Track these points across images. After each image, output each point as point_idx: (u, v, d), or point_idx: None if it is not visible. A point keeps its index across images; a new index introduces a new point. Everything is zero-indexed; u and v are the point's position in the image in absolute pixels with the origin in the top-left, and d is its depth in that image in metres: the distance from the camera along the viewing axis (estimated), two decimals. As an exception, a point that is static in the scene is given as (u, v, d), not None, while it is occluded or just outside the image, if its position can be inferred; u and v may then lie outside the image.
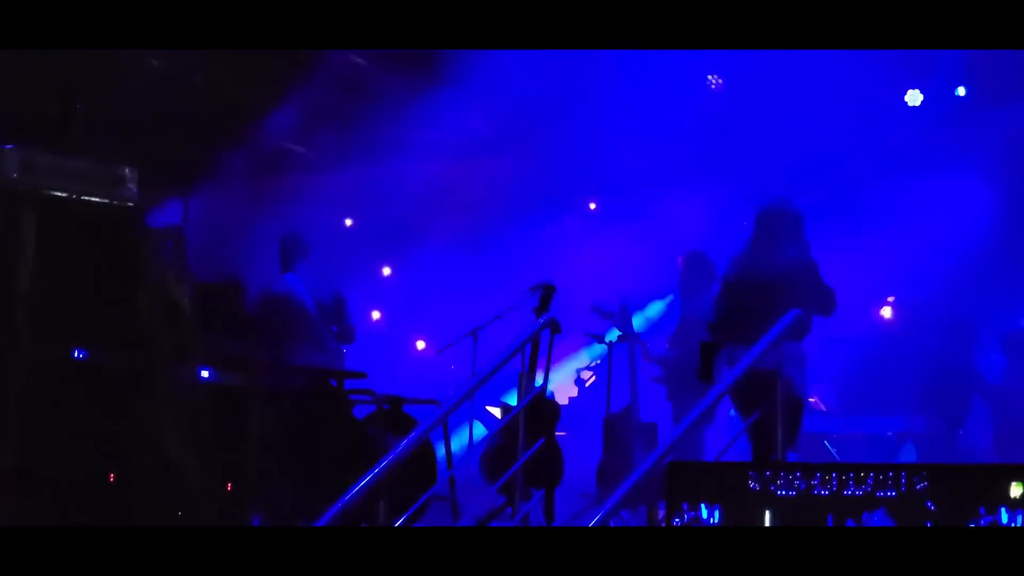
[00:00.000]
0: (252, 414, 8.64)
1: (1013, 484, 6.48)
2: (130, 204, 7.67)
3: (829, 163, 15.02)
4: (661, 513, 7.33)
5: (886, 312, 16.40)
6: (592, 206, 18.68)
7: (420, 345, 17.81)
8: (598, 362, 15.02)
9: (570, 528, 8.50)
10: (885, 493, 6.72)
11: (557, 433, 14.83)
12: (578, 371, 17.77)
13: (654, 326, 14.53)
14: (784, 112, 14.70)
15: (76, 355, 7.51)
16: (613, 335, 11.73)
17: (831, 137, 14.77)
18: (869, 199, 14.61)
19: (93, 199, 7.62)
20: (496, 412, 14.08)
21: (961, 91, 15.22)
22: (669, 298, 12.93)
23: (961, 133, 14.14)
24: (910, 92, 15.46)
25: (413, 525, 9.11)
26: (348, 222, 17.27)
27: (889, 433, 12.99)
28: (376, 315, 17.24)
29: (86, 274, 7.49)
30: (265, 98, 13.08)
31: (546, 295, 9.83)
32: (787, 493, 6.91)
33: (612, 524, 10.24)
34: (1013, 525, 6.46)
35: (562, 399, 17.92)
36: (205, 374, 8.51)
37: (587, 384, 17.45)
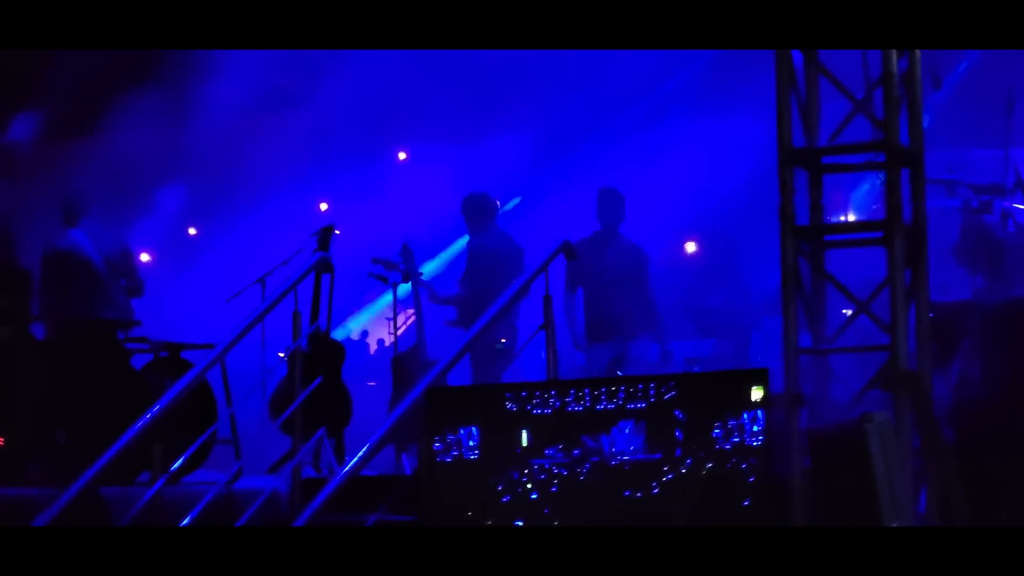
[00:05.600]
0: (21, 367, 8.58)
1: (754, 388, 6.67)
2: None
3: (617, 103, 15.27)
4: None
5: (690, 247, 16.70)
6: (402, 156, 18.77)
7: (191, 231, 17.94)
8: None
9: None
10: (636, 405, 6.86)
11: (369, 383, 14.90)
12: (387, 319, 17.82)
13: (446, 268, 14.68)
14: (576, 54, 14.84)
15: None
16: (397, 276, 11.79)
17: (624, 74, 14.96)
18: (660, 134, 14.87)
19: None
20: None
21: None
22: (465, 239, 12.97)
23: (747, 66, 14.37)
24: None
25: (197, 470, 9.11)
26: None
27: (685, 359, 13.22)
28: (146, 257, 16.99)
29: None
30: (43, 56, 12.88)
31: (323, 236, 9.88)
32: (543, 411, 7.03)
33: (406, 463, 10.38)
34: (755, 428, 6.65)
35: (375, 344, 18.03)
36: (-32, 328, 8.45)
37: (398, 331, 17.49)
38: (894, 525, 6.39)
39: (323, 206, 17.75)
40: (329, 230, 9.90)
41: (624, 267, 11.44)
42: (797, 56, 7.99)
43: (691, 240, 16.62)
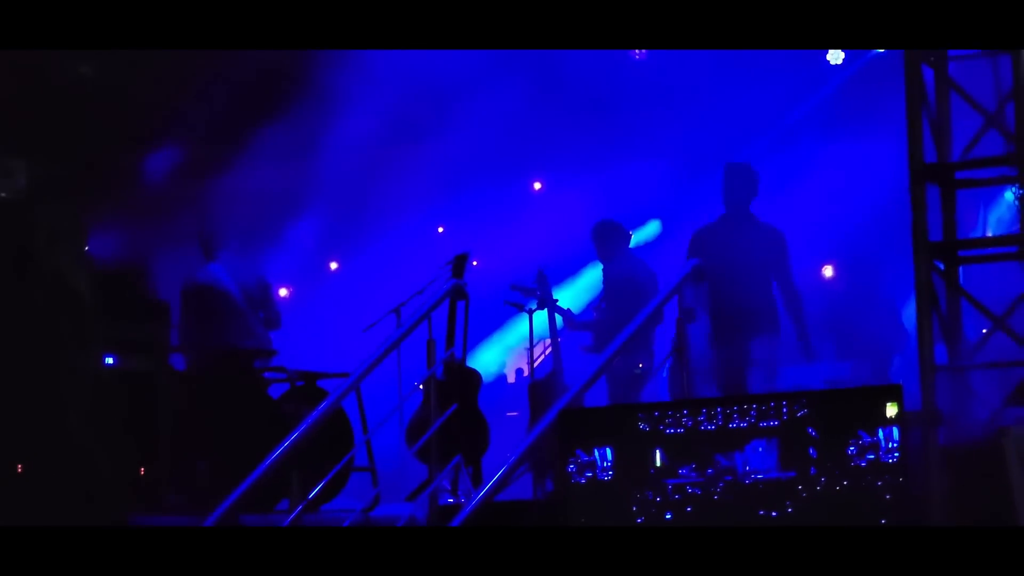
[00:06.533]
0: (161, 397, 8.73)
1: (888, 404, 6.60)
2: (20, 195, 7.70)
3: (752, 128, 15.19)
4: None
5: (827, 271, 16.56)
6: (537, 186, 18.81)
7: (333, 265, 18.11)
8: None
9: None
10: (768, 423, 6.83)
11: (509, 413, 14.93)
12: (525, 348, 17.90)
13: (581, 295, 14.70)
14: (707, 77, 14.81)
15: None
16: (532, 303, 11.85)
17: (755, 100, 14.91)
18: (793, 159, 14.77)
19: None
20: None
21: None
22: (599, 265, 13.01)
23: (879, 89, 14.26)
24: (831, 51, 15.61)
25: (334, 498, 9.19)
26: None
27: (823, 381, 13.08)
28: (284, 292, 17.18)
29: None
30: (169, 94, 13.08)
31: (457, 263, 9.92)
32: (676, 431, 7.02)
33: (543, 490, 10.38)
34: (891, 444, 6.58)
35: (513, 374, 18.08)
36: (110, 360, 8.59)
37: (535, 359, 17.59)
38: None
39: (440, 229, 17.83)
40: (464, 258, 9.94)
41: (760, 253, 10.16)
42: (928, 73, 7.93)
43: (828, 264, 16.51)
